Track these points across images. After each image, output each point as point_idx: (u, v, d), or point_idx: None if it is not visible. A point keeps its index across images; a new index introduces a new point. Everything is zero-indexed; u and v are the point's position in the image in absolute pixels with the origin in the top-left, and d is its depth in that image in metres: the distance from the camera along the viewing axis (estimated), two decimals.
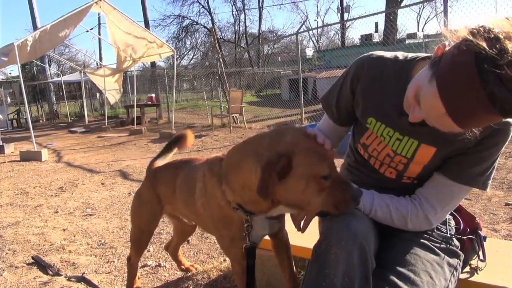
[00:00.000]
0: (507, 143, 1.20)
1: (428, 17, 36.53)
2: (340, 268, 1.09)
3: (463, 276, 1.37)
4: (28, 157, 7.49)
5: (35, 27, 15.44)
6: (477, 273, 1.39)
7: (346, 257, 1.10)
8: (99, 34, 20.26)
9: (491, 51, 0.88)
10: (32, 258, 2.74)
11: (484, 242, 1.41)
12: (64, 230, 3.39)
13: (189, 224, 2.19)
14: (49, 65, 21.51)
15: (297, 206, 1.20)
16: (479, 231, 1.41)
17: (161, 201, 1.87)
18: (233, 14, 34.42)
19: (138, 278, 2.19)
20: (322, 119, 1.57)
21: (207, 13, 32.06)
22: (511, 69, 0.87)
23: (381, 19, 18.30)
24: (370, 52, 1.38)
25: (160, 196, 1.87)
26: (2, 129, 15.51)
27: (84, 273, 2.50)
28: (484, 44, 0.90)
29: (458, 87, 0.94)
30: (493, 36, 0.91)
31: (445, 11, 6.78)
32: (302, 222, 1.35)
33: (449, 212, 1.30)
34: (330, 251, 1.12)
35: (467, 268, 1.41)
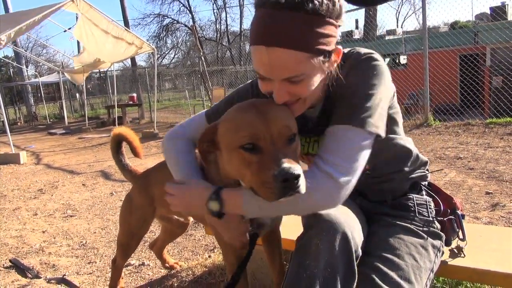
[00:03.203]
0: (380, 80, 1.12)
1: (407, 13, 37.11)
2: (321, 258, 1.08)
3: (451, 263, 1.37)
4: (5, 160, 7.28)
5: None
6: (463, 255, 1.39)
7: (327, 247, 1.08)
8: None
9: None
10: (10, 261, 2.65)
11: (462, 220, 1.40)
12: (43, 232, 3.29)
13: (185, 222, 2.17)
14: (26, 66, 20.99)
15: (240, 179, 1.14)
16: (457, 211, 1.41)
17: (154, 203, 1.82)
18: (214, 13, 34.23)
19: (122, 278, 2.14)
20: None
21: (188, 11, 31.80)
22: None
23: (361, 16, 18.49)
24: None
25: (154, 198, 1.81)
26: None
27: (64, 274, 2.43)
28: None
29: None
30: None
31: (423, 8, 6.87)
32: None
33: (355, 163, 1.07)
34: (311, 242, 1.10)
35: (452, 251, 1.41)
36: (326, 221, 1.11)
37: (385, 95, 1.14)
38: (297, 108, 1.13)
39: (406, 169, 1.37)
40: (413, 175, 1.39)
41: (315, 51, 1.02)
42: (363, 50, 1.20)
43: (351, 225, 1.14)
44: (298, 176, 0.96)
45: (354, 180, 1.07)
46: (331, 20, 1.02)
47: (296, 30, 0.99)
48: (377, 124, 1.09)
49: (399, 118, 1.32)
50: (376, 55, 1.17)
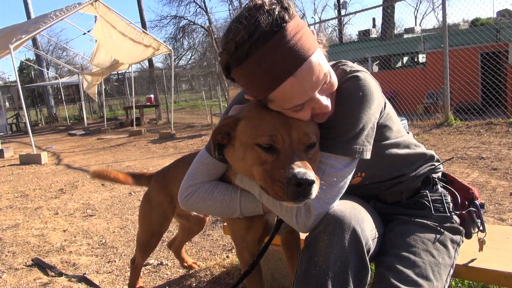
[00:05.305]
0: (365, 103, 1.11)
1: (426, 11, 36.54)
2: (331, 253, 1.05)
3: (477, 265, 1.33)
4: (27, 160, 7.44)
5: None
6: (481, 249, 1.34)
7: (336, 242, 1.06)
8: None
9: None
10: (32, 261, 2.70)
11: (482, 210, 1.35)
12: (64, 231, 3.35)
13: (203, 218, 2.18)
14: (47, 69, 21.44)
15: (249, 177, 1.15)
16: (475, 201, 1.36)
17: (173, 200, 1.83)
18: (230, 13, 34.24)
19: (141, 277, 2.15)
20: None
21: (204, 13, 31.92)
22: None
23: (378, 15, 18.24)
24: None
25: (173, 195, 1.82)
26: (1, 133, 15.48)
27: (85, 273, 2.46)
28: None
29: None
30: None
31: (444, 4, 6.73)
32: None
33: (334, 190, 1.11)
34: (319, 239, 1.08)
35: (474, 244, 1.36)
36: (333, 217, 1.09)
37: (372, 115, 1.14)
38: (320, 118, 1.13)
39: (409, 170, 1.34)
40: (421, 172, 1.36)
41: (316, 45, 1.04)
42: (348, 67, 1.18)
43: (359, 217, 1.12)
44: (312, 182, 0.96)
45: (330, 206, 1.11)
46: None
47: (297, 39, 0.98)
48: (361, 148, 1.12)
49: (391, 122, 1.28)
50: (361, 73, 1.15)
